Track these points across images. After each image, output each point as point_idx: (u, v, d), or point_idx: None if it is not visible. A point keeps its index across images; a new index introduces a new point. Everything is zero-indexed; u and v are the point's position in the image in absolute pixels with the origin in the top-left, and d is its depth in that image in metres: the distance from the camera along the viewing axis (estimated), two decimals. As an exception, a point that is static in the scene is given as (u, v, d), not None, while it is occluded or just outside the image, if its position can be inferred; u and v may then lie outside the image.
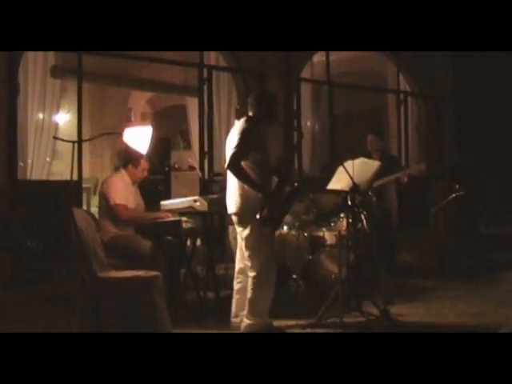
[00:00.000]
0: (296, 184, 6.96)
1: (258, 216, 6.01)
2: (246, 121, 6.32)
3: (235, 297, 6.45)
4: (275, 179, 6.37)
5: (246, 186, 6.14)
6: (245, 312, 6.27)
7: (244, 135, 6.13)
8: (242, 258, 6.38)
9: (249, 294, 6.22)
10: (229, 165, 6.12)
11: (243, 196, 6.17)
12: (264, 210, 6.02)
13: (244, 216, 6.21)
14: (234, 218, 6.31)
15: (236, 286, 6.46)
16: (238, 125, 6.36)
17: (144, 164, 7.42)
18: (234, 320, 6.40)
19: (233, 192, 6.24)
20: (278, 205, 6.12)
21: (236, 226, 6.33)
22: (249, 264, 6.23)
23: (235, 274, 6.49)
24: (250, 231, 6.19)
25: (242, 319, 6.28)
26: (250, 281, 6.22)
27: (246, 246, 6.23)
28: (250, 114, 6.44)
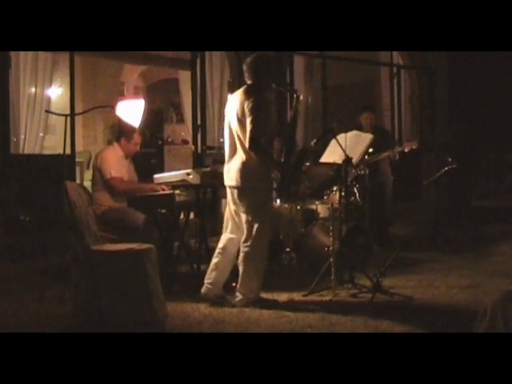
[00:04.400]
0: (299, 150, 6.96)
1: (277, 189, 6.08)
2: (249, 92, 6.18)
3: (214, 271, 6.42)
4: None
5: (251, 160, 6.10)
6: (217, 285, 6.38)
7: (256, 113, 6.00)
8: (235, 230, 6.40)
9: (241, 269, 6.25)
10: (251, 147, 6.02)
11: (248, 169, 6.14)
12: (280, 182, 6.07)
13: (246, 190, 6.19)
14: (235, 192, 6.27)
15: (216, 258, 6.45)
16: (239, 95, 6.24)
17: (137, 138, 7.44)
18: (208, 287, 6.41)
19: (236, 165, 6.19)
20: (290, 175, 6.17)
21: (235, 200, 6.30)
22: (243, 238, 6.25)
23: (220, 245, 6.47)
24: (252, 205, 6.20)
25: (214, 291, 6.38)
26: (242, 255, 6.25)
27: (246, 221, 6.22)
28: (249, 82, 6.32)
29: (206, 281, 6.45)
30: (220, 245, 6.48)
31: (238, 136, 6.17)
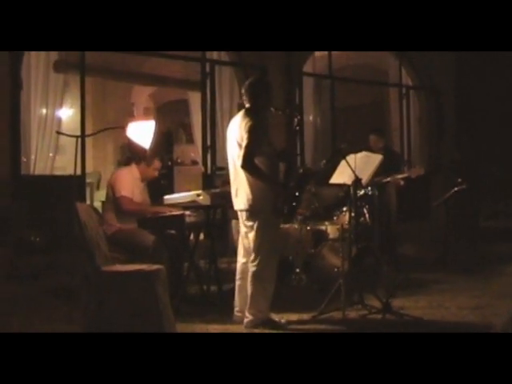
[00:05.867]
0: (301, 170, 6.96)
1: (273, 209, 6.05)
2: (247, 114, 6.26)
3: (238, 294, 6.46)
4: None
5: (255, 182, 6.14)
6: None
7: (251, 132, 6.07)
8: (245, 253, 6.42)
9: (250, 289, 6.23)
10: (243, 165, 6.08)
11: (254, 192, 6.16)
12: (278, 202, 6.06)
13: (254, 212, 6.21)
14: (244, 214, 6.29)
15: (238, 282, 6.48)
16: (238, 118, 6.32)
17: (157, 164, 7.46)
18: (237, 314, 6.43)
19: (242, 188, 6.22)
20: (290, 195, 6.17)
21: (245, 222, 6.34)
22: (251, 258, 6.27)
23: (238, 271, 6.51)
24: (260, 226, 6.21)
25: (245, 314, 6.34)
26: (250, 275, 6.24)
27: (254, 241, 6.23)
28: (247, 105, 6.38)
29: (235, 308, 6.46)
30: (237, 271, 6.50)
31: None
